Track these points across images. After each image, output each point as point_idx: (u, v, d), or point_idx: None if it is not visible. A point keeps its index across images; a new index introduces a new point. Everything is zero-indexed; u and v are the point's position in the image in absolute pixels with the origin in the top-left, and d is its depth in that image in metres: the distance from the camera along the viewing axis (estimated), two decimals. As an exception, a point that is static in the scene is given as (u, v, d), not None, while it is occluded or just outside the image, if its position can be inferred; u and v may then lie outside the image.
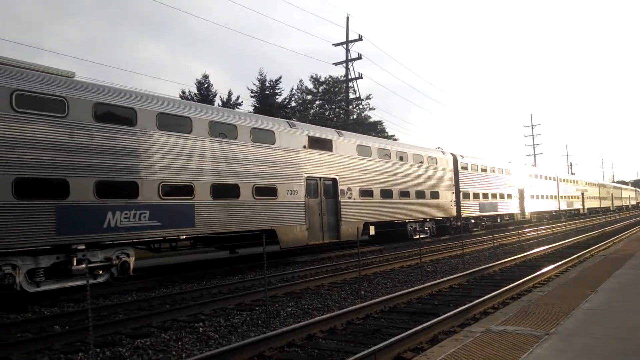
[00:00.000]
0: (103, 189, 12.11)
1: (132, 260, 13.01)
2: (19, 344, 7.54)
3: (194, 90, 40.76)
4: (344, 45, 36.84)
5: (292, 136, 18.03)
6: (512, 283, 11.30)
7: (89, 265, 11.71)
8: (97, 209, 11.96)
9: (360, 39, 36.53)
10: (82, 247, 11.76)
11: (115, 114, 12.85)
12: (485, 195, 32.96)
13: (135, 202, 12.79)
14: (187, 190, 14.11)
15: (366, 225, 21.27)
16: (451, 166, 29.13)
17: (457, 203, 29.15)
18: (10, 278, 10.60)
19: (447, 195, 28.08)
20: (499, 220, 36.06)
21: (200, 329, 8.55)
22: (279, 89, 45.65)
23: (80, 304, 11.11)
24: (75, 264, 11.67)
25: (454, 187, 28.92)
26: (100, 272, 12.31)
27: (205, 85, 41.19)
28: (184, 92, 40.10)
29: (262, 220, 16.29)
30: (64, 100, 11.65)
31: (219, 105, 37.68)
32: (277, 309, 10.11)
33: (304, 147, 18.41)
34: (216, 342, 7.75)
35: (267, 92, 44.85)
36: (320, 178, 19.00)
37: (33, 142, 10.99)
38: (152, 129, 13.40)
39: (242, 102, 42.50)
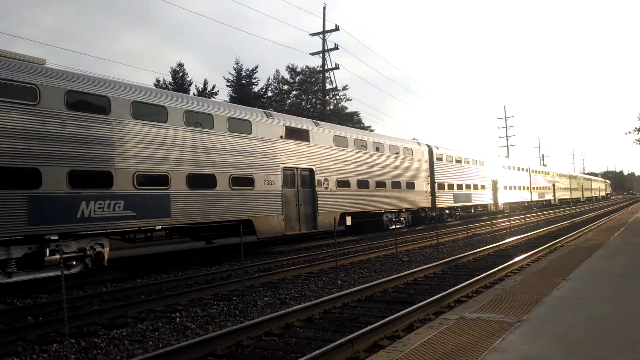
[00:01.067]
0: (76, 178, 11.90)
1: (106, 250, 12.84)
2: (-10, 336, 7.40)
3: (169, 79, 40.22)
4: (321, 36, 36.74)
5: (269, 126, 17.96)
6: (485, 272, 11.54)
7: (63, 256, 11.53)
8: (70, 198, 11.75)
9: (337, 29, 36.45)
10: (55, 237, 11.56)
11: (89, 102, 12.60)
12: (460, 186, 33.42)
13: (110, 192, 12.60)
14: (162, 180, 13.95)
15: (343, 215, 21.39)
16: (426, 157, 29.43)
17: (432, 194, 29.51)
18: (-19, 269, 10.36)
19: (423, 186, 28.38)
20: (472, 210, 36.63)
21: (177, 319, 8.52)
22: (255, 78, 45.41)
23: (53, 295, 10.95)
24: (48, 254, 11.46)
25: (429, 177, 29.25)
26: (74, 262, 12.13)
27: (181, 74, 40.70)
28: (158, 81, 39.52)
29: (239, 210, 16.24)
30: (35, 88, 11.38)
31: (194, 95, 37.24)
32: (255, 298, 10.13)
33: (281, 137, 18.36)
34: (193, 332, 7.75)
35: (244, 81, 44.53)
36: (297, 168, 19.00)
37: (3, 130, 10.72)
38: (126, 118, 13.19)
39: (217, 91, 42.19)
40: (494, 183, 39.64)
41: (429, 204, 29.06)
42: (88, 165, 12.22)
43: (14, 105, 10.98)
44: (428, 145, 30.25)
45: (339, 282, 11.77)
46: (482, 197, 36.97)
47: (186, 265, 15.14)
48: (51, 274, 11.61)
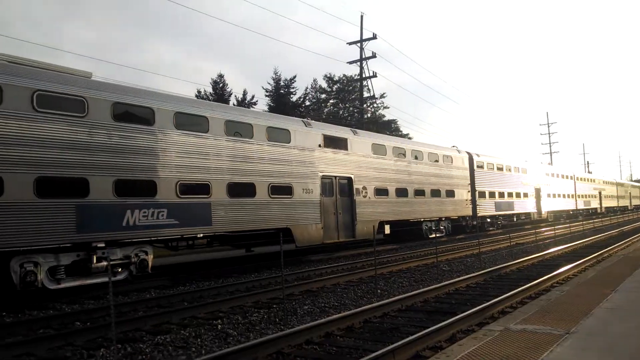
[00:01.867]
0: (122, 187, 12.26)
1: (150, 258, 13.15)
2: (41, 340, 7.67)
3: (210, 89, 41.05)
4: (358, 44, 36.81)
5: (307, 135, 18.08)
6: (530, 282, 11.23)
7: (110, 263, 11.86)
8: (116, 207, 12.12)
9: (374, 37, 36.45)
10: (102, 245, 11.92)
11: (134, 113, 13.00)
12: (502, 194, 32.70)
13: (154, 200, 12.93)
14: (204, 189, 14.22)
15: (381, 224, 21.25)
16: (467, 165, 28.96)
17: (473, 202, 28.98)
18: (32, 275, 10.78)
19: (463, 194, 27.93)
20: (515, 219, 35.77)
21: (219, 326, 8.63)
22: (293, 88, 45.78)
23: (100, 301, 11.27)
24: (95, 261, 11.83)
25: (469, 185, 28.75)
26: (120, 269, 12.47)
27: (221, 84, 41.46)
28: (199, 92, 40.41)
29: (278, 218, 16.37)
30: (83, 100, 11.82)
31: (234, 105, 37.87)
32: (294, 306, 10.16)
33: (319, 145, 18.45)
34: (235, 339, 7.82)
35: (282, 91, 44.98)
36: (335, 177, 19.03)
37: (53, 142, 11.16)
38: (169, 128, 13.53)
39: (257, 101, 42.72)
40: (537, 191, 38.62)
41: (469, 212, 28.54)
42: (133, 175, 12.58)
43: (64, 117, 11.42)
44: (468, 153, 29.77)
45: (379, 291, 11.68)
46: (524, 206, 36.06)
47: (226, 272, 15.32)
48: (98, 280, 11.97)
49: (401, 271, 15.00)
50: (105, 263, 11.89)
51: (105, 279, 11.92)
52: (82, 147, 11.63)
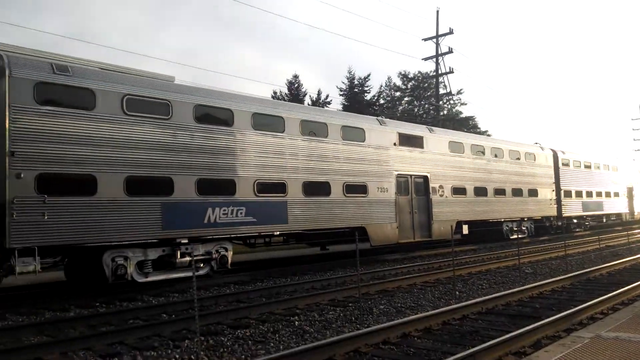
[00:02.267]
0: (203, 186, 12.77)
1: (230, 254, 13.60)
2: (132, 330, 8.14)
3: (285, 90, 41.80)
4: (434, 40, 36.08)
5: (382, 133, 17.95)
6: (623, 288, 10.48)
7: (191, 259, 12.40)
8: (198, 205, 12.64)
9: (450, 32, 35.63)
10: (185, 241, 12.48)
11: (214, 115, 13.49)
12: (589, 194, 30.82)
13: (233, 199, 13.36)
14: (280, 187, 14.50)
15: (459, 224, 20.69)
16: (551, 162, 27.55)
17: (558, 202, 27.52)
18: (123, 268, 11.48)
19: (547, 194, 26.60)
20: (604, 220, 33.60)
21: (296, 322, 8.76)
22: (367, 86, 45.61)
23: (183, 295, 11.80)
24: (179, 256, 12.40)
25: (554, 184, 27.34)
26: (202, 265, 12.99)
27: (296, 85, 42.10)
28: (275, 93, 41.24)
29: (353, 217, 16.38)
30: (168, 103, 12.41)
31: (308, 104, 38.33)
32: (370, 306, 10.12)
33: (394, 144, 18.25)
34: (311, 336, 7.90)
35: (356, 89, 44.96)
36: (411, 175, 18.75)
37: (141, 143, 11.81)
38: (247, 129, 13.92)
39: (331, 100, 42.99)
40: (629, 190, 36.04)
41: (554, 212, 27.14)
42: (213, 174, 13.06)
43: (151, 120, 12.05)
44: (552, 150, 28.32)
45: (457, 293, 11.38)
46: (615, 206, 33.77)
47: (302, 270, 15.53)
48: (181, 274, 12.55)
49: (480, 273, 14.53)
50: (188, 258, 12.43)
51: (188, 274, 12.47)
52: (167, 148, 12.21)
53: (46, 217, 10.22)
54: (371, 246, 17.20)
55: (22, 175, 10.00)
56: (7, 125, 9.94)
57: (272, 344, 7.51)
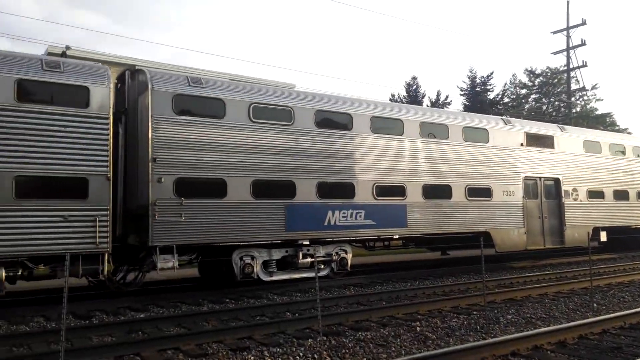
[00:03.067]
0: (324, 189, 13.07)
1: (349, 256, 13.77)
2: (259, 326, 8.54)
3: (403, 92, 41.44)
4: (564, 32, 33.58)
5: (507, 134, 17.06)
6: None
7: (312, 260, 12.76)
8: (319, 208, 12.96)
9: (583, 23, 32.92)
10: (307, 242, 12.86)
11: (333, 119, 13.76)
12: None
13: (352, 202, 13.51)
14: (399, 191, 14.38)
15: (595, 230, 18.96)
16: None
17: None
18: (250, 267, 12.11)
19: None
20: None
21: (417, 328, 8.59)
22: (490, 85, 43.59)
23: (305, 295, 12.13)
24: (301, 257, 12.81)
25: None
26: (322, 266, 13.28)
27: (414, 86, 41.55)
28: (393, 95, 41.04)
29: (476, 222, 15.75)
30: (290, 110, 12.89)
31: (427, 106, 37.63)
32: (496, 315, 9.63)
33: (521, 144, 17.25)
34: (434, 343, 7.70)
35: (478, 89, 43.23)
36: (540, 178, 17.58)
37: (266, 148, 12.39)
38: (366, 132, 14.01)
39: (451, 101, 41.74)
40: None
41: None
42: (333, 178, 13.32)
43: (274, 126, 12.60)
44: None
45: (595, 305, 10.43)
46: None
47: (422, 275, 15.23)
48: (303, 275, 12.95)
49: (622, 284, 13.18)
50: (309, 259, 12.81)
51: (310, 274, 12.84)
52: (290, 153, 12.69)
53: (183, 218, 11.10)
54: (496, 252, 16.40)
55: (162, 180, 10.97)
56: (150, 134, 10.97)
57: (393, 348, 7.44)
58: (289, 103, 12.98)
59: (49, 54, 11.48)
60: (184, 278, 14.75)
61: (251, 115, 12.29)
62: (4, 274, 9.40)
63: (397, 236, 14.76)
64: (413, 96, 40.69)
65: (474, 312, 9.80)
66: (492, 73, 43.28)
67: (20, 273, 9.75)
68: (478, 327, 8.71)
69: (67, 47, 11.73)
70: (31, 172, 9.68)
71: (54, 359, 6.26)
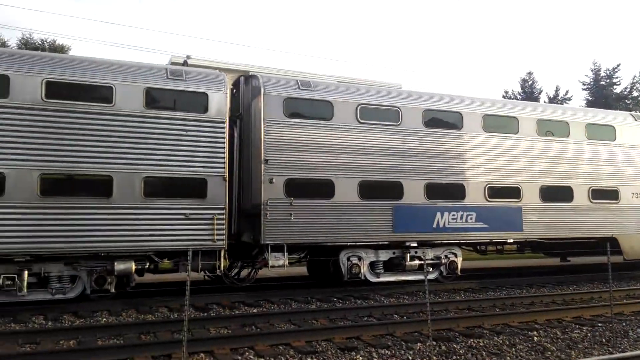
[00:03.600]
0: (432, 190, 12.78)
1: (459, 260, 13.32)
2: (367, 327, 8.55)
3: (517, 88, 39.40)
4: None
5: (637, 130, 15.54)
6: None
7: (420, 262, 12.53)
8: (427, 209, 12.69)
9: None
10: (414, 244, 12.65)
11: (442, 119, 13.41)
12: None
13: (462, 204, 13.07)
14: (513, 192, 13.67)
15: None
16: None
17: None
18: (357, 268, 12.17)
19: None
20: None
21: (535, 337, 8.11)
22: (616, 78, 40.06)
23: (413, 297, 11.94)
24: (408, 260, 12.62)
25: None
26: (431, 269, 12.98)
27: (530, 82, 39.33)
28: (506, 92, 39.14)
29: (600, 226, 14.53)
30: (398, 110, 12.77)
31: (544, 102, 35.42)
32: (625, 328, 8.83)
33: (655, 141, 15.61)
34: (553, 355, 7.23)
35: (603, 82, 39.88)
36: (677, 178, 15.76)
37: (373, 149, 12.36)
38: (477, 131, 13.50)
39: (571, 96, 39.02)
40: None
41: None
42: (442, 178, 12.97)
43: (382, 127, 12.55)
44: None
45: None
46: None
47: (539, 282, 14.32)
48: (411, 277, 12.75)
49: None
50: (417, 262, 12.59)
51: (417, 277, 12.62)
52: (397, 153, 12.57)
53: (292, 218, 11.43)
54: (624, 260, 14.98)
55: (273, 180, 11.38)
56: (262, 137, 11.43)
57: (508, 358, 7.10)
58: (397, 103, 12.86)
59: (172, 63, 12.37)
60: (292, 276, 15.18)
61: (358, 116, 12.35)
62: (133, 267, 10.31)
63: (512, 240, 14.02)
64: (529, 92, 38.56)
65: (599, 324, 9.06)
66: (618, 65, 39.62)
67: (147, 266, 10.63)
68: (603, 340, 8.05)
69: (188, 57, 12.56)
70: (157, 173, 10.51)
71: (177, 347, 6.74)
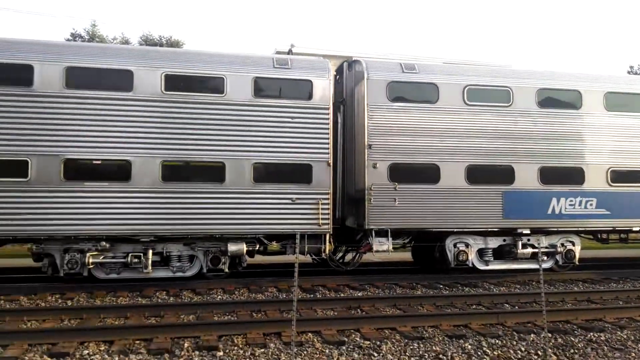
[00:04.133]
0: (546, 175, 12.05)
1: (577, 249, 12.47)
2: (475, 315, 8.31)
3: (644, 63, 35.65)
4: None
5: None
6: None
7: (533, 251, 11.89)
8: (541, 195, 12.00)
9: None
10: (527, 231, 12.03)
11: (558, 98, 12.54)
12: None
13: (580, 188, 12.19)
14: (640, 176, 12.49)
15: None
16: None
17: None
18: (464, 254, 11.83)
19: None
20: None
21: (666, 335, 7.40)
22: None
23: (525, 287, 11.39)
24: (520, 247, 12.04)
25: None
26: (545, 258, 12.29)
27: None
28: (631, 67, 35.63)
29: None
30: (508, 90, 12.12)
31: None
32: None
33: None
34: (691, 355, 6.55)
35: None
36: None
37: (482, 132, 11.87)
38: (598, 111, 12.47)
39: None
40: None
41: None
42: (558, 162, 12.17)
43: (491, 108, 11.99)
44: None
45: None
46: None
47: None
48: (523, 266, 12.16)
49: None
50: (530, 250, 11.97)
51: (530, 266, 12.02)
52: (508, 136, 11.97)
53: (397, 203, 11.35)
54: None
55: (377, 166, 11.36)
56: (365, 122, 11.43)
57: (633, 354, 6.55)
58: (507, 83, 12.21)
59: (277, 52, 12.72)
60: (396, 261, 15.10)
61: (465, 98, 11.91)
62: (245, 248, 10.85)
63: (638, 228, 12.83)
64: (658, 66, 34.70)
65: None
66: None
67: (257, 248, 11.14)
68: None
69: (292, 45, 12.83)
70: (265, 159, 10.92)
71: (286, 325, 7.01)
